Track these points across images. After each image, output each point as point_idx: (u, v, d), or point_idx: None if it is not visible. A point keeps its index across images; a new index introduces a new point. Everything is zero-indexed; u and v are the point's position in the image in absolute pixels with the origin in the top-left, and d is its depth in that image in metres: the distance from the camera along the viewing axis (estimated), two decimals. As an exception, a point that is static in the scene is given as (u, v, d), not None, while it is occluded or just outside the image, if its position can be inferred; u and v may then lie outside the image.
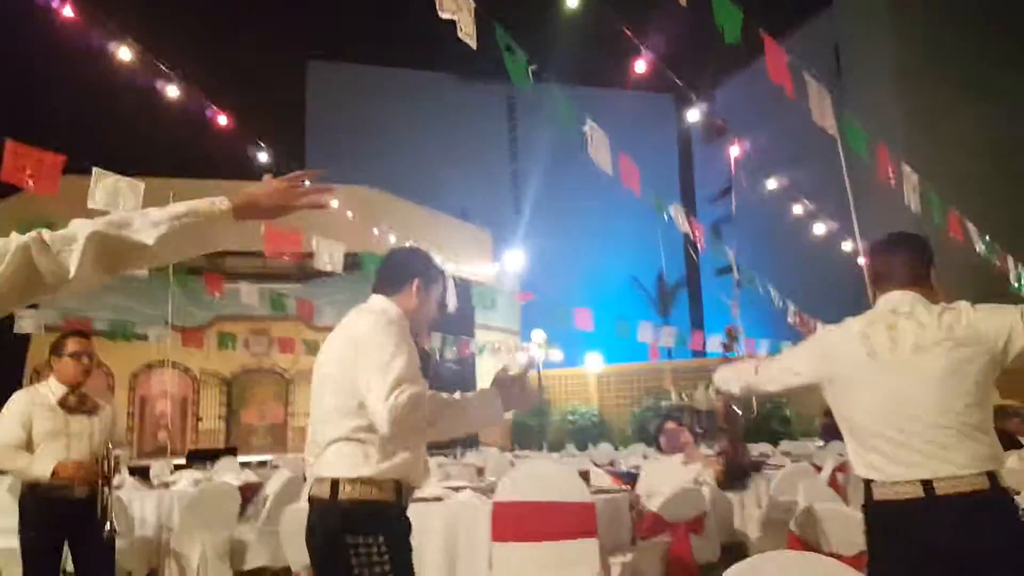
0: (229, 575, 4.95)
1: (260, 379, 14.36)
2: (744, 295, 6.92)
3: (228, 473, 7.14)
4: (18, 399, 3.17)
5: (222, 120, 5.85)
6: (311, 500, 1.94)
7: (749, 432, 7.55)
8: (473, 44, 3.74)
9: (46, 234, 1.19)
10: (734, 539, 4.48)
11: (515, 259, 11.03)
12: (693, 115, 7.68)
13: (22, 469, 3.04)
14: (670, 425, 5.04)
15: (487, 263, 12.06)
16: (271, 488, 5.40)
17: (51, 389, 3.19)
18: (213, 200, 1.34)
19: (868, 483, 1.97)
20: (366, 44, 23.84)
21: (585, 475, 3.85)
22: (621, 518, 3.73)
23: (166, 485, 5.73)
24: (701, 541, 4.01)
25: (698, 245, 7.21)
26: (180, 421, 14.14)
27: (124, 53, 5.04)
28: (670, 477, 4.35)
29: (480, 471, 7.12)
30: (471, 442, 11.52)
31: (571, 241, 21.66)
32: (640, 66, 4.95)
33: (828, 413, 2.26)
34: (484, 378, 15.64)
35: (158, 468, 8.06)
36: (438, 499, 3.65)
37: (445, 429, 1.90)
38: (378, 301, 2.09)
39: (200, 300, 11.11)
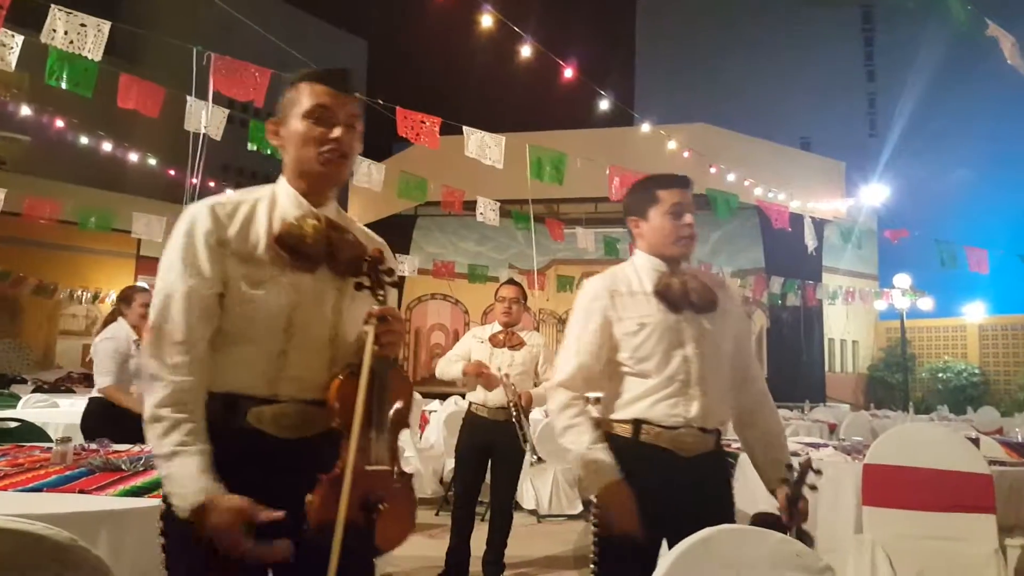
0: (577, 501, 5.45)
1: (592, 319, 15.38)
2: None
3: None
4: (468, 334, 3.88)
5: (567, 73, 5.92)
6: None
7: None
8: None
9: None
10: None
11: (874, 192, 9.62)
12: None
13: (450, 373, 3.66)
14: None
15: (837, 198, 10.76)
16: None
17: (490, 328, 3.80)
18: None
19: None
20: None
21: (975, 443, 3.53)
22: (1022, 495, 3.24)
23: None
24: None
25: None
26: (520, 356, 15.85)
27: (486, 21, 5.36)
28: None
29: (832, 428, 6.60)
30: (818, 397, 10.64)
31: (947, 170, 18.27)
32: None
33: None
34: (831, 329, 14.19)
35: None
36: (794, 454, 3.43)
37: None
38: None
39: (539, 245, 11.96)
